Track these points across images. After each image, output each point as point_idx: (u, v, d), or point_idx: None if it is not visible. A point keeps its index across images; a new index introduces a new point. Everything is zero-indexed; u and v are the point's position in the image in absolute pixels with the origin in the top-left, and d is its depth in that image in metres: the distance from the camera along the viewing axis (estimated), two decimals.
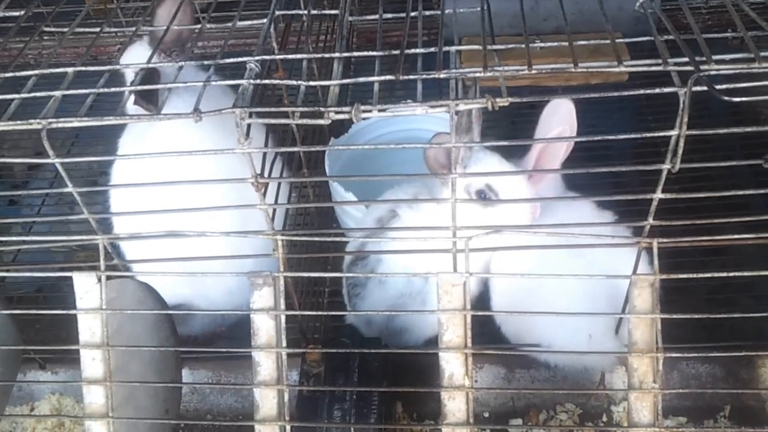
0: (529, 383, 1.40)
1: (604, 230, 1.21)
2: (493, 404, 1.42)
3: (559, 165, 1.41)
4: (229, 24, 1.15)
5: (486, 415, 1.42)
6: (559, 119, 1.39)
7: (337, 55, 1.04)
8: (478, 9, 1.16)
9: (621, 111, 2.08)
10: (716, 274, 1.09)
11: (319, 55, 1.06)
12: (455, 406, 1.13)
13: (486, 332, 1.38)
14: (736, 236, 1.09)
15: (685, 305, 1.45)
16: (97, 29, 1.27)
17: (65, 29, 1.25)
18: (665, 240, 1.10)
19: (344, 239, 1.39)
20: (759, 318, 1.21)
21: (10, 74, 1.08)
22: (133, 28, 1.37)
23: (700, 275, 1.09)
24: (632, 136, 0.99)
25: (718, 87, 0.88)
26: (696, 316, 1.11)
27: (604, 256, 1.23)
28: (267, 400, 1.14)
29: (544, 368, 1.40)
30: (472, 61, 2.11)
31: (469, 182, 1.38)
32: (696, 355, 1.31)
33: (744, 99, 0.87)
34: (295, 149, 1.21)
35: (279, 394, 1.14)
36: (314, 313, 1.25)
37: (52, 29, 1.86)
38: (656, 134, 0.95)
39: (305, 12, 1.22)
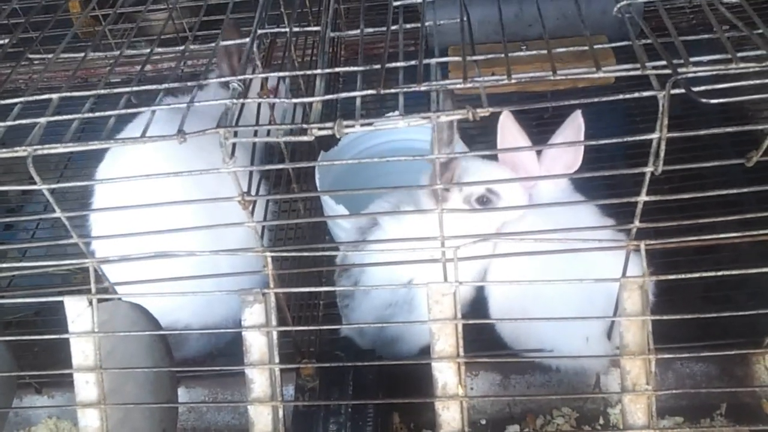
0: (525, 389, 1.40)
1: (598, 234, 1.22)
2: (489, 411, 1.42)
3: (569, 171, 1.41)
4: (213, 44, 1.16)
5: (483, 422, 1.42)
6: (574, 132, 1.40)
7: (318, 71, 1.05)
8: (459, 20, 1.16)
9: (611, 112, 2.09)
10: (705, 274, 1.10)
11: (301, 72, 1.06)
12: (450, 415, 1.13)
13: (483, 338, 1.39)
14: (724, 235, 1.09)
15: (680, 304, 1.46)
16: (86, 51, 1.28)
17: (53, 53, 1.26)
18: (652, 242, 1.11)
19: (335, 252, 1.40)
20: (752, 315, 1.22)
21: None
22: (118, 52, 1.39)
23: (689, 276, 1.09)
24: (613, 140, 1.00)
25: (695, 89, 0.89)
26: (686, 317, 1.11)
27: (601, 259, 1.23)
28: (262, 417, 1.14)
29: (539, 373, 1.40)
30: (457, 71, 2.14)
31: (469, 192, 1.39)
32: (688, 355, 1.31)
33: (722, 100, 0.88)
34: (283, 166, 1.21)
35: (273, 410, 1.14)
36: (306, 328, 1.25)
37: (40, 55, 1.87)
38: (637, 138, 0.96)
39: (287, 30, 1.24)
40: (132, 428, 1.21)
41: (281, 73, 1.05)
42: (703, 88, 0.90)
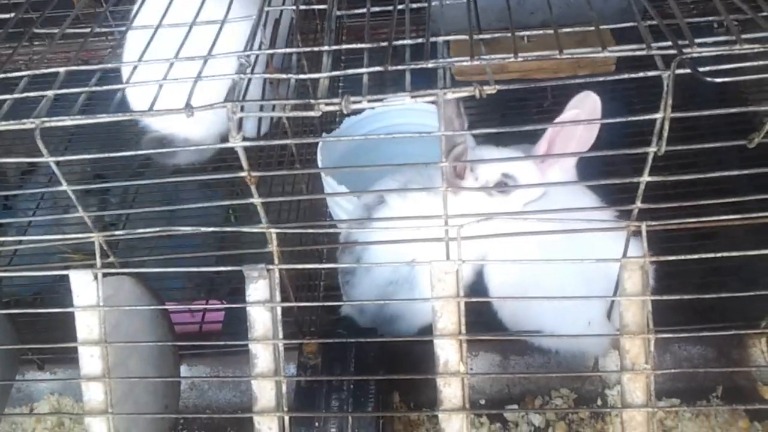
0: (524, 369, 1.42)
1: (598, 215, 1.23)
2: (489, 391, 1.43)
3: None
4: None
5: (482, 402, 1.43)
6: (587, 111, 1.40)
7: (326, 48, 1.05)
8: (464, 2, 1.17)
9: (611, 101, 2.10)
10: (705, 256, 1.11)
11: (308, 49, 1.07)
12: (451, 392, 1.14)
13: (482, 321, 1.40)
14: (724, 218, 1.11)
15: (678, 289, 1.47)
16: (87, 31, 1.28)
17: (55, 32, 1.26)
18: (654, 223, 1.12)
19: (337, 231, 1.41)
20: (748, 299, 1.23)
21: (2, 75, 1.09)
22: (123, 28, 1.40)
23: (689, 257, 1.11)
24: (618, 120, 1.01)
25: (701, 69, 0.90)
26: (686, 297, 1.13)
27: (602, 245, 1.23)
28: (265, 392, 1.15)
29: (538, 354, 1.41)
30: (460, 54, 2.14)
31: (485, 180, 1.39)
32: (687, 335, 1.33)
33: (726, 79, 0.89)
34: (287, 141, 1.22)
35: (277, 386, 1.15)
36: (309, 304, 1.27)
37: (42, 31, 1.87)
38: (641, 117, 0.97)
39: (293, 8, 1.24)
40: (135, 402, 1.22)
41: (290, 50, 1.05)
42: (707, 68, 0.92)
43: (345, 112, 0.98)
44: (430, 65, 0.99)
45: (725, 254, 1.12)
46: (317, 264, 1.45)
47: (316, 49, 1.05)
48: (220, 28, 1.13)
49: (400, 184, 1.44)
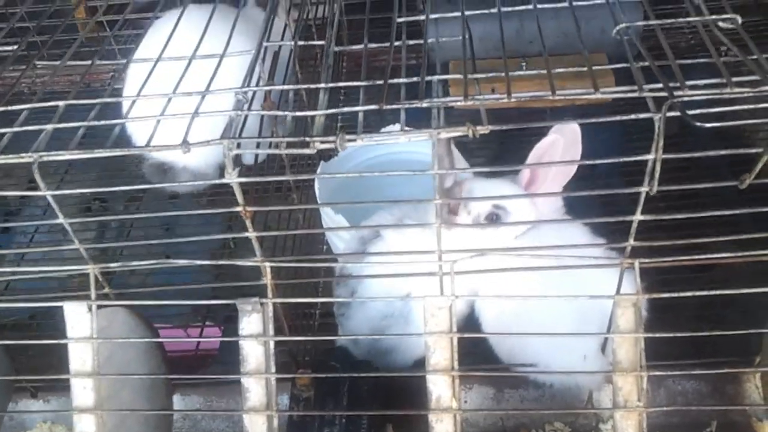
0: (519, 403, 1.41)
1: (592, 252, 1.23)
2: (482, 424, 1.43)
3: (558, 185, 1.42)
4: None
5: None
6: (567, 141, 1.40)
7: (322, 85, 1.06)
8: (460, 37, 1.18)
9: (608, 131, 2.11)
10: (698, 293, 1.11)
11: (305, 86, 1.08)
12: (443, 428, 1.14)
13: (478, 352, 1.40)
14: (718, 255, 1.11)
15: (673, 322, 1.47)
16: (91, 56, 1.30)
17: (59, 60, 1.28)
18: (647, 260, 1.13)
19: (333, 264, 1.41)
20: (745, 334, 1.23)
21: (2, 108, 1.10)
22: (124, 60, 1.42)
23: (682, 294, 1.11)
24: (608, 161, 1.02)
25: (691, 112, 0.91)
26: (679, 335, 1.13)
27: (596, 278, 1.23)
28: (256, 426, 1.15)
29: (533, 388, 1.41)
30: (457, 88, 2.16)
31: (477, 213, 1.39)
32: (680, 372, 1.32)
33: (716, 124, 0.89)
34: (284, 178, 1.23)
35: (268, 420, 1.15)
36: (303, 338, 1.26)
37: (45, 62, 1.91)
38: (633, 158, 0.98)
39: (292, 43, 1.26)
40: None
41: (285, 86, 1.06)
42: (698, 111, 0.93)
43: (340, 150, 0.99)
44: (424, 105, 1.00)
45: (718, 292, 1.13)
46: (313, 295, 1.45)
47: (312, 86, 1.06)
48: (219, 62, 1.15)
49: (396, 218, 1.44)
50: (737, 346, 1.39)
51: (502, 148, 2.28)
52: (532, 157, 1.41)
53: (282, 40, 1.32)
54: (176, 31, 1.28)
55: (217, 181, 1.00)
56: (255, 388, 1.15)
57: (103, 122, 1.06)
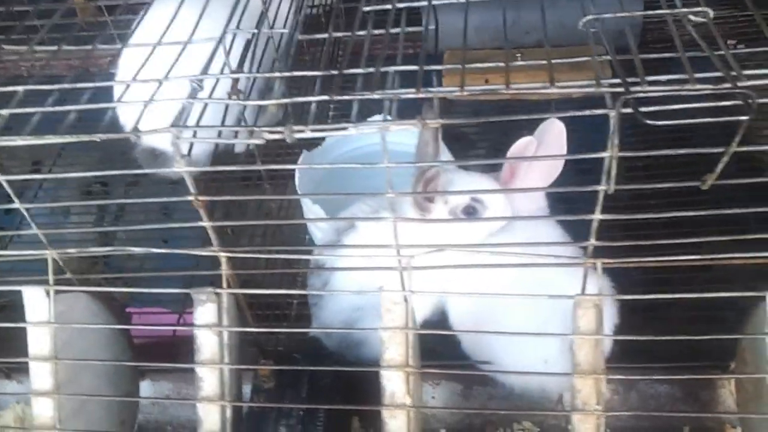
0: (486, 400, 1.39)
1: (559, 250, 1.20)
2: (449, 420, 1.41)
3: (542, 183, 1.39)
4: None
5: (443, 431, 1.41)
6: (552, 140, 1.37)
7: (277, 74, 1.05)
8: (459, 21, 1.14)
9: (603, 126, 2.05)
10: (661, 297, 1.08)
11: (264, 75, 1.06)
12: (396, 424, 1.13)
13: (444, 350, 1.37)
14: (682, 258, 1.08)
15: (669, 323, 1.43)
16: (89, 40, 1.30)
17: (58, 44, 1.28)
18: (609, 261, 1.09)
19: (307, 255, 1.40)
20: (723, 338, 1.20)
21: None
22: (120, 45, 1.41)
23: (644, 297, 1.08)
24: (564, 157, 0.99)
25: (644, 110, 0.88)
26: (638, 339, 1.10)
27: (563, 278, 1.20)
28: (210, 416, 1.15)
29: (500, 386, 1.38)
30: (451, 78, 2.13)
31: (455, 204, 1.38)
32: (641, 377, 1.29)
33: (668, 123, 0.86)
34: (234, 168, 1.22)
35: (222, 410, 1.15)
36: (262, 330, 1.25)
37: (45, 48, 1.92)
38: (589, 155, 0.94)
39: (264, 31, 1.24)
40: (87, 419, 1.22)
41: (244, 74, 1.05)
42: (654, 108, 0.89)
43: (288, 141, 0.97)
44: (375, 96, 0.98)
45: (684, 295, 1.09)
46: (288, 286, 1.44)
47: (267, 75, 1.04)
48: (183, 44, 1.13)
49: (372, 209, 1.43)
50: (714, 350, 1.35)
51: (504, 139, 2.24)
52: (509, 156, 1.38)
53: (284, 26, 1.30)
54: (174, 15, 1.26)
55: (167, 171, 0.98)
56: (209, 378, 1.14)
57: (58, 108, 1.05)
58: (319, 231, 1.59)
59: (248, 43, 1.35)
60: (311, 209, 1.57)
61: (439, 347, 1.35)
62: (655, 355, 1.30)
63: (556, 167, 1.38)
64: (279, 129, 0.96)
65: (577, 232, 1.37)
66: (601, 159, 0.93)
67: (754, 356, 1.18)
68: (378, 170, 1.63)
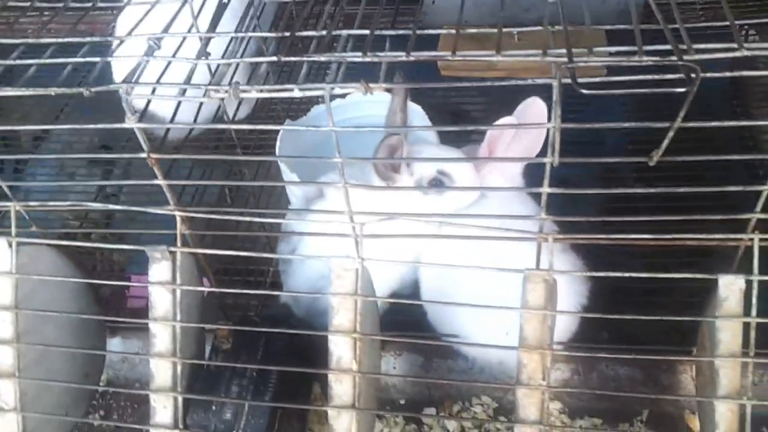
0: (446, 373, 1.39)
1: (523, 225, 1.19)
2: (409, 392, 1.42)
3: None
4: None
5: (402, 401, 1.42)
6: (532, 117, 1.35)
7: (231, 33, 1.05)
8: None
9: (621, 105, 2.01)
10: (602, 274, 1.07)
11: (210, 35, 1.07)
12: (342, 389, 1.13)
13: (409, 320, 1.38)
14: (631, 236, 1.06)
15: (665, 306, 1.41)
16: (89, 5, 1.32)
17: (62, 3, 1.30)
18: (560, 236, 1.09)
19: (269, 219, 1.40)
20: (690, 322, 1.18)
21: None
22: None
23: (589, 274, 1.07)
24: (507, 126, 0.98)
25: (582, 81, 0.87)
26: (588, 315, 1.09)
27: (528, 253, 1.19)
28: (161, 371, 1.17)
29: (461, 360, 1.39)
30: (446, 48, 2.11)
31: (420, 175, 1.38)
32: (588, 355, 1.28)
33: (598, 92, 0.85)
34: (191, 125, 1.22)
35: (173, 366, 1.17)
36: (217, 290, 1.27)
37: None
38: (531, 125, 0.94)
39: None
40: (48, 368, 1.25)
41: (187, 33, 1.06)
42: (595, 80, 0.88)
43: (234, 100, 0.98)
44: (322, 59, 0.98)
45: (619, 274, 1.07)
46: (228, 251, 1.43)
47: (208, 35, 1.05)
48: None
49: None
50: (680, 336, 1.33)
51: (502, 114, 2.22)
52: (489, 136, 1.37)
53: None
54: None
55: (117, 126, 1.00)
56: (161, 334, 1.16)
57: (21, 61, 1.07)
58: (294, 198, 1.60)
59: (220, 4, 1.36)
60: (288, 177, 1.58)
61: (411, 321, 1.36)
62: (630, 340, 1.29)
63: (535, 145, 1.37)
64: (225, 87, 0.97)
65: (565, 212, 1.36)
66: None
67: (711, 341, 1.16)
68: (358, 141, 1.64)
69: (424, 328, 1.38)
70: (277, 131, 1.60)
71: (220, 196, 1.98)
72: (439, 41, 1.89)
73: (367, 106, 1.75)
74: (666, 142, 0.92)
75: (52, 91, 1.02)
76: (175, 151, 1.32)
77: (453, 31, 1.04)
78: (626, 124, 0.94)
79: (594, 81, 0.86)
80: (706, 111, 0.94)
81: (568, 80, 0.87)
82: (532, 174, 1.50)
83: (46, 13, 2.43)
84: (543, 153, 0.97)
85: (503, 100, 1.51)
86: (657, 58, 0.89)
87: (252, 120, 1.78)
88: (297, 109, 1.86)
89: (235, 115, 1.85)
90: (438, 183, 1.36)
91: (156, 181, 1.10)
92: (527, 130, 1.37)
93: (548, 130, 0.93)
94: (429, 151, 1.41)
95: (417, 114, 1.69)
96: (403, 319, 1.36)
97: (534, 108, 1.36)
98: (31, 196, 1.95)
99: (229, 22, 1.29)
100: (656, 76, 0.91)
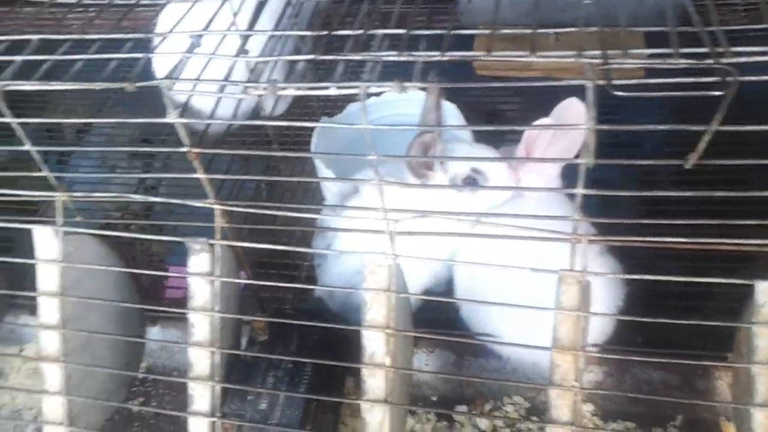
0: (478, 371, 1.40)
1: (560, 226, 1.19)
2: (442, 389, 1.43)
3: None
4: None
5: (434, 398, 1.43)
6: (571, 119, 1.35)
7: (270, 32, 1.07)
8: None
9: (659, 108, 1.99)
10: (637, 277, 1.06)
11: (248, 32, 1.09)
12: (375, 383, 1.15)
13: (442, 317, 1.39)
14: (670, 239, 1.05)
15: (701, 311, 1.39)
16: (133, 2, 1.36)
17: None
18: (594, 237, 1.08)
19: (306, 215, 1.43)
20: (726, 327, 1.16)
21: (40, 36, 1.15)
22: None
23: (625, 277, 1.06)
24: (540, 126, 0.98)
25: (617, 83, 0.87)
26: (622, 318, 1.09)
27: (564, 254, 1.19)
28: (200, 360, 1.20)
29: (494, 358, 1.39)
30: (481, 48, 2.10)
31: (454, 173, 1.39)
32: (620, 357, 1.26)
33: (632, 94, 0.85)
34: (234, 122, 1.25)
35: (212, 356, 1.20)
36: (255, 282, 1.29)
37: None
38: (566, 127, 0.94)
39: None
40: (92, 355, 1.29)
41: (226, 31, 1.08)
42: (629, 82, 0.87)
43: (272, 96, 1.00)
44: (358, 58, 0.99)
45: (662, 278, 1.06)
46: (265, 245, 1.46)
47: (245, 32, 1.07)
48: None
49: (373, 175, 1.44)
50: (717, 342, 1.31)
51: (538, 114, 2.21)
52: (526, 137, 1.37)
53: None
54: None
55: (158, 121, 1.03)
56: (200, 324, 1.20)
57: (68, 57, 1.11)
58: (329, 194, 1.62)
59: (259, 3, 1.39)
60: (323, 173, 1.60)
61: (446, 318, 1.37)
62: (665, 343, 1.27)
63: (573, 147, 1.36)
64: (263, 84, 0.99)
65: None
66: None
67: (747, 347, 1.15)
68: (399, 139, 1.66)
69: (457, 325, 1.39)
70: (313, 128, 1.62)
71: (256, 191, 2.02)
72: (475, 41, 1.90)
73: (403, 104, 1.76)
74: (702, 145, 0.91)
75: (97, 85, 1.06)
76: (215, 146, 1.35)
77: (488, 32, 1.04)
78: (661, 127, 0.93)
79: (629, 83, 0.86)
80: (744, 113, 0.93)
81: (603, 81, 0.87)
82: (571, 176, 1.50)
83: (92, 9, 2.52)
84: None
85: (538, 100, 1.51)
86: (693, 61, 0.88)
87: (288, 116, 1.81)
88: (333, 106, 1.88)
89: (272, 111, 1.89)
90: (472, 181, 1.37)
91: (195, 175, 1.13)
92: (565, 131, 1.36)
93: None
94: (463, 149, 1.41)
95: (452, 112, 1.70)
96: (435, 317, 1.37)
97: (572, 109, 1.36)
98: (74, 188, 2.03)
99: (267, 20, 1.32)
100: (693, 79, 0.90)
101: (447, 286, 1.46)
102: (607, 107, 1.01)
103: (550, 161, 1.34)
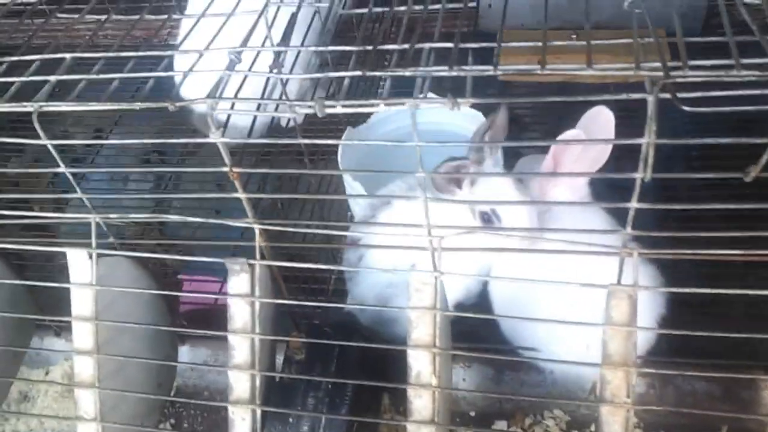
0: (518, 386, 1.38)
1: (600, 239, 1.17)
2: (480, 404, 1.41)
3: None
4: None
5: (472, 414, 1.40)
6: (599, 128, 1.33)
7: (312, 48, 1.05)
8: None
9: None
10: (687, 290, 1.04)
11: (283, 48, 1.07)
12: (421, 404, 1.13)
13: (481, 332, 1.36)
14: (720, 251, 1.03)
15: (721, 319, 1.38)
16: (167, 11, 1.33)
17: (135, 14, 1.32)
18: (646, 251, 1.06)
19: (340, 231, 1.40)
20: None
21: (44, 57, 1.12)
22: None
23: (678, 290, 1.04)
24: (598, 141, 0.96)
25: (684, 96, 0.84)
26: (673, 332, 1.06)
27: (608, 266, 1.17)
28: (240, 384, 1.18)
29: (534, 372, 1.37)
30: (507, 57, 2.08)
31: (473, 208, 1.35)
32: (673, 372, 1.25)
33: (708, 110, 0.82)
34: (268, 140, 1.23)
35: (252, 379, 1.17)
36: (292, 302, 1.27)
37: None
38: (625, 141, 0.91)
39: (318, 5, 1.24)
40: (126, 379, 1.27)
41: (273, 48, 1.06)
42: (697, 94, 0.85)
43: (319, 115, 0.98)
44: (407, 73, 0.97)
45: (712, 291, 1.04)
46: (327, 260, 1.45)
47: (294, 47, 1.05)
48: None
49: (408, 186, 1.42)
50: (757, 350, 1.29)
51: (560, 123, 2.19)
52: (554, 148, 1.34)
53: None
54: None
55: (202, 141, 1.00)
56: (240, 347, 1.17)
57: (102, 75, 1.08)
58: (358, 207, 1.60)
59: (292, 16, 1.36)
60: (351, 186, 1.58)
61: (479, 331, 1.34)
62: (702, 351, 1.26)
63: (601, 157, 1.34)
64: (310, 103, 0.97)
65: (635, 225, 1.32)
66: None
67: None
68: (424, 150, 1.63)
69: (493, 339, 1.37)
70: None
71: (273, 203, 1.99)
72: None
73: (427, 112, 1.73)
74: (766, 158, 0.89)
75: (137, 105, 1.03)
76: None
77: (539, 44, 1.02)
78: (723, 140, 0.91)
79: (691, 96, 0.84)
80: None
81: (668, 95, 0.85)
82: (595, 184, 1.48)
83: (93, 21, 2.48)
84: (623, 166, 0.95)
85: (556, 106, 1.50)
86: (758, 73, 0.86)
87: (311, 125, 1.78)
88: (357, 114, 1.85)
89: (288, 122, 1.87)
90: (487, 218, 1.32)
91: (236, 195, 1.10)
92: (596, 137, 1.34)
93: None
94: (484, 181, 1.36)
95: (478, 120, 1.68)
96: (468, 330, 1.35)
97: (600, 118, 1.34)
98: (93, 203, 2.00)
99: (296, 33, 1.30)
100: (753, 91, 0.88)
101: (478, 299, 1.43)
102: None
103: (602, 176, 1.30)
